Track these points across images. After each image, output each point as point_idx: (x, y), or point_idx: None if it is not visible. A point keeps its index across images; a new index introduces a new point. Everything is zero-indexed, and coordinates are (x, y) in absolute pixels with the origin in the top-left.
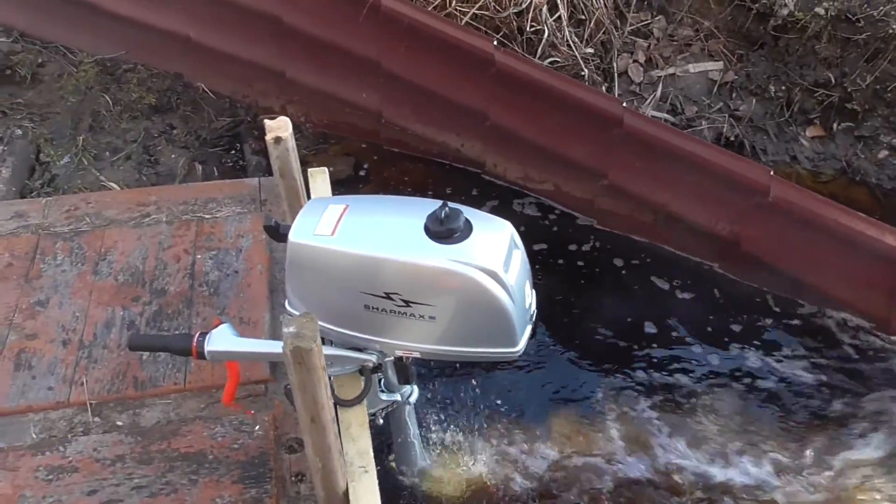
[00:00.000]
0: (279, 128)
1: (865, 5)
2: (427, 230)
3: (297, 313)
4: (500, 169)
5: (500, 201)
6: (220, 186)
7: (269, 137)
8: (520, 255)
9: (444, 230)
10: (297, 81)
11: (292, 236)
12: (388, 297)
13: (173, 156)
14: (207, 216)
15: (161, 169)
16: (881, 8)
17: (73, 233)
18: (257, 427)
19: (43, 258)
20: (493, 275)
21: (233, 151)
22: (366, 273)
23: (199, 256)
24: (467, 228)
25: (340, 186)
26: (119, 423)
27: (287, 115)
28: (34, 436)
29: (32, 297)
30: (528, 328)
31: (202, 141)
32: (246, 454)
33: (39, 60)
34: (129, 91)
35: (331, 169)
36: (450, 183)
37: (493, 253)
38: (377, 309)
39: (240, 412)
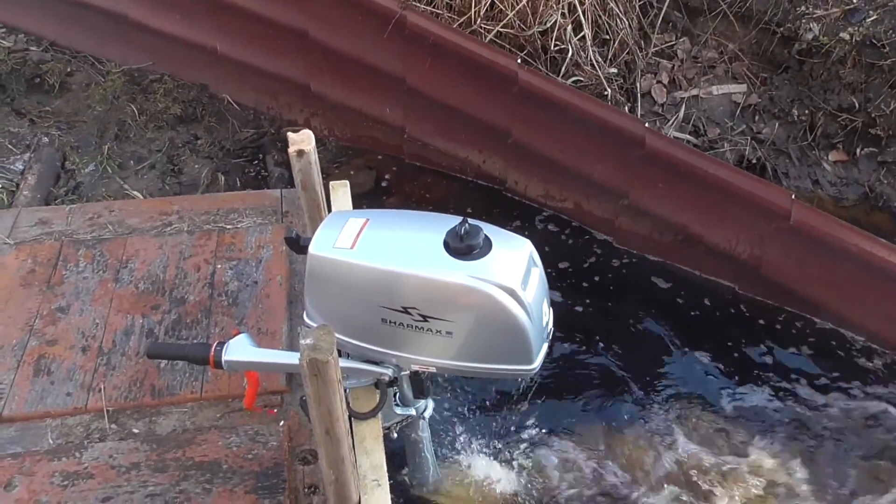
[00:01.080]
0: (302, 141)
1: (891, 31)
2: (446, 246)
3: (315, 325)
4: (521, 186)
5: (521, 218)
6: (243, 197)
7: (291, 150)
8: (538, 273)
9: (463, 246)
10: (321, 95)
11: (312, 249)
12: (405, 311)
13: (197, 166)
14: (229, 226)
15: (184, 179)
16: None
17: (95, 240)
18: (272, 438)
19: (65, 265)
20: (511, 292)
21: (256, 162)
22: (384, 287)
23: (219, 266)
24: (487, 245)
25: (362, 200)
26: (135, 431)
27: (311, 128)
28: (51, 441)
29: (54, 303)
30: (545, 346)
31: (226, 151)
32: (260, 464)
33: (68, 70)
34: (155, 101)
35: (353, 182)
36: (471, 199)
37: (512, 270)
38: (395, 323)
39: (262, 413)
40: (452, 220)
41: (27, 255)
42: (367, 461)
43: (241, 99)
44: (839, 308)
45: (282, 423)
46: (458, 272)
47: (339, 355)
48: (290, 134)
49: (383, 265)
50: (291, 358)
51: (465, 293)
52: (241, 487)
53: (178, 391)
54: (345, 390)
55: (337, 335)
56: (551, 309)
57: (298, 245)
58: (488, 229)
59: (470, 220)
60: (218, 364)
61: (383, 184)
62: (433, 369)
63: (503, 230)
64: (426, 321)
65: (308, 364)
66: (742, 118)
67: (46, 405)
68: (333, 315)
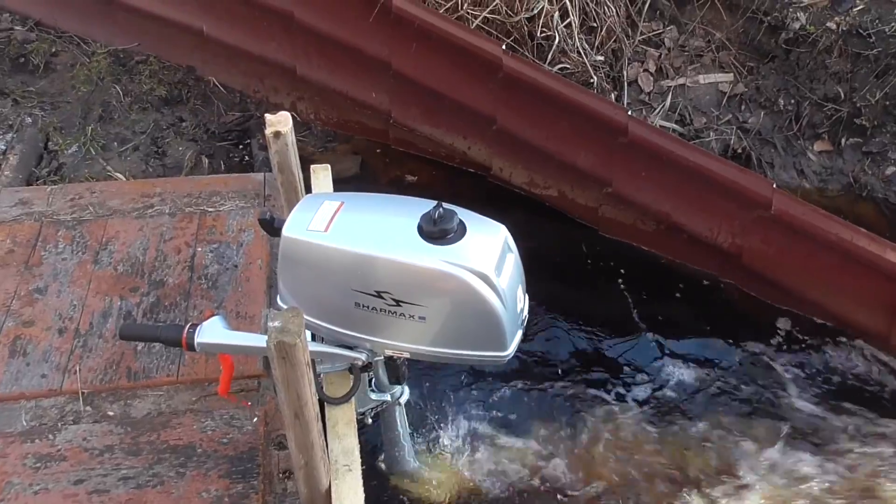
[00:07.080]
0: (279, 122)
1: (877, 21)
2: (420, 230)
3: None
4: (506, 173)
5: (506, 205)
6: (225, 180)
7: (268, 132)
8: (513, 259)
9: (437, 231)
10: (307, 78)
11: (286, 231)
12: (378, 295)
13: (181, 148)
14: (210, 209)
15: (168, 161)
16: (893, 24)
17: (75, 221)
18: (248, 422)
19: (44, 246)
20: (484, 278)
21: (241, 146)
22: (358, 271)
23: (199, 249)
24: (461, 230)
25: (347, 185)
26: (110, 413)
27: (297, 112)
28: (25, 423)
29: (31, 284)
30: (519, 333)
31: (210, 135)
32: (235, 449)
33: (53, 50)
34: (140, 82)
35: (338, 168)
36: (456, 185)
37: (486, 256)
38: (368, 307)
39: (237, 403)
40: (427, 205)
41: (6, 234)
42: (339, 446)
43: (227, 82)
44: (819, 297)
45: (258, 407)
46: (432, 257)
47: (313, 339)
48: (267, 115)
49: (357, 249)
50: (262, 341)
51: (438, 278)
52: (214, 472)
53: (154, 374)
54: (319, 375)
55: (310, 319)
56: (527, 295)
57: (272, 227)
58: (463, 213)
59: (444, 205)
60: (190, 346)
61: (368, 171)
62: (407, 355)
63: (478, 215)
64: (399, 306)
65: (276, 347)
66: (728, 107)
67: (21, 386)
68: (307, 298)
